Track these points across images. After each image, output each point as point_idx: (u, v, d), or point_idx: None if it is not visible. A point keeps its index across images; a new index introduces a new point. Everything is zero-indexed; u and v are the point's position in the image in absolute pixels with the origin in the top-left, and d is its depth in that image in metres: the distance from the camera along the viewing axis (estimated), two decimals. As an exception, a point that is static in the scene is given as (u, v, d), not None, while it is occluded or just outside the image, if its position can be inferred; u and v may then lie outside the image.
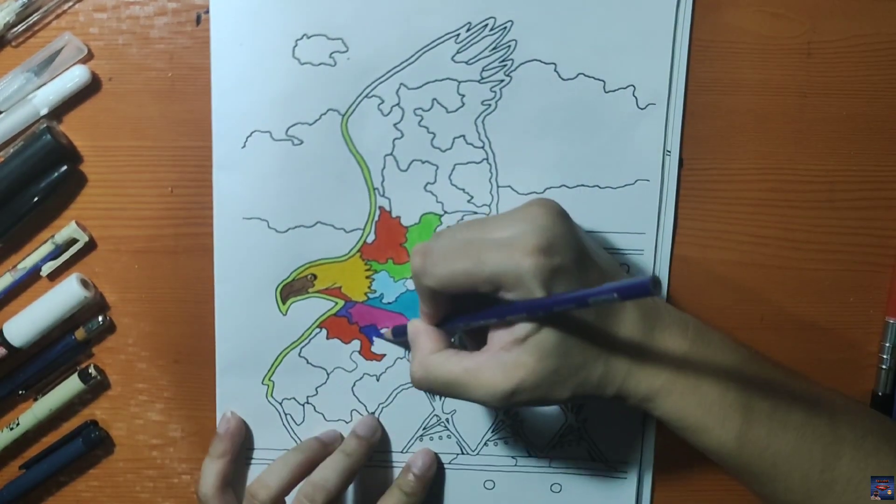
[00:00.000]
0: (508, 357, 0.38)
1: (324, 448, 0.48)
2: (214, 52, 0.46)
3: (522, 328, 0.38)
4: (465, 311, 0.42)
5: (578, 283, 0.38)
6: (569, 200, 0.47)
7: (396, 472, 0.50)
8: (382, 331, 0.48)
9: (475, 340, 0.43)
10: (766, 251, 0.49)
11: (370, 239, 0.48)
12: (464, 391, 0.40)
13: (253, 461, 0.50)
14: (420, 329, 0.43)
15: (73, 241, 0.48)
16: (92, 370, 0.49)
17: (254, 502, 0.45)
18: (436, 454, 0.50)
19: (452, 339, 0.43)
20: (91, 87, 0.47)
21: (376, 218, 0.47)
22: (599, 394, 0.40)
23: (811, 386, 0.43)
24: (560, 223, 0.38)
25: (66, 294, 0.47)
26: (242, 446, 0.49)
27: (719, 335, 0.42)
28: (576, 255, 0.38)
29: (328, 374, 0.49)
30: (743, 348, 0.42)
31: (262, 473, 0.46)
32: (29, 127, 0.46)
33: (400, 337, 0.47)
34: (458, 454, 0.50)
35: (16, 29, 0.46)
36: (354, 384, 0.49)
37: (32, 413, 0.49)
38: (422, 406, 0.50)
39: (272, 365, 0.49)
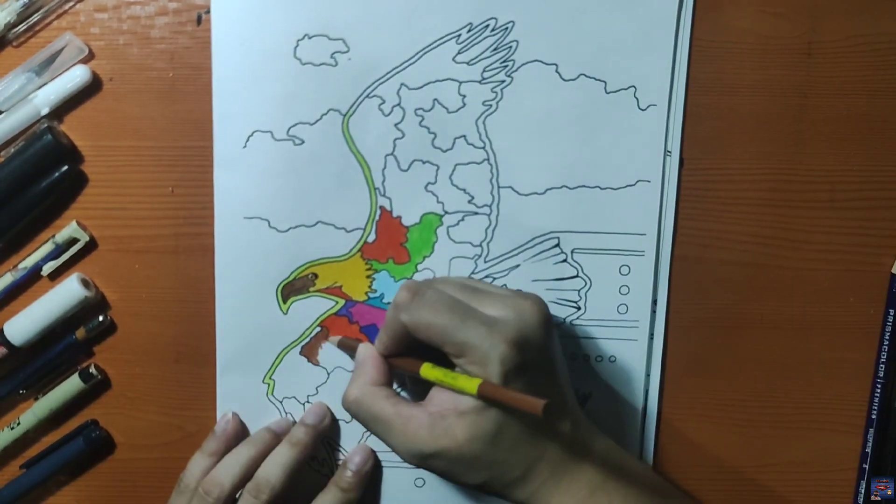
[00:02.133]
0: (442, 423, 0.40)
1: (276, 438, 0.48)
2: (215, 52, 0.46)
3: (468, 402, 0.39)
4: (417, 358, 0.42)
5: (531, 384, 0.39)
6: (570, 201, 0.47)
7: (397, 472, 0.50)
8: (330, 339, 0.48)
9: (418, 388, 0.44)
10: (766, 251, 0.49)
11: (371, 238, 0.48)
12: (386, 433, 0.41)
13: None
14: (369, 356, 0.44)
15: (74, 241, 0.48)
16: (92, 369, 0.49)
17: (207, 500, 0.45)
18: (373, 450, 0.49)
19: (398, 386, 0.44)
20: (92, 87, 0.47)
21: (377, 217, 0.47)
22: (506, 495, 0.41)
23: None
24: (543, 326, 0.40)
25: (66, 294, 0.47)
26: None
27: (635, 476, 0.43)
28: (542, 360, 0.40)
29: (328, 374, 0.49)
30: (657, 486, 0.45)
31: (214, 470, 0.46)
32: (30, 127, 0.46)
33: (346, 350, 0.47)
34: (458, 454, 0.50)
35: (17, 29, 0.46)
36: (355, 384, 0.49)
37: (33, 412, 0.49)
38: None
39: (273, 364, 0.49)
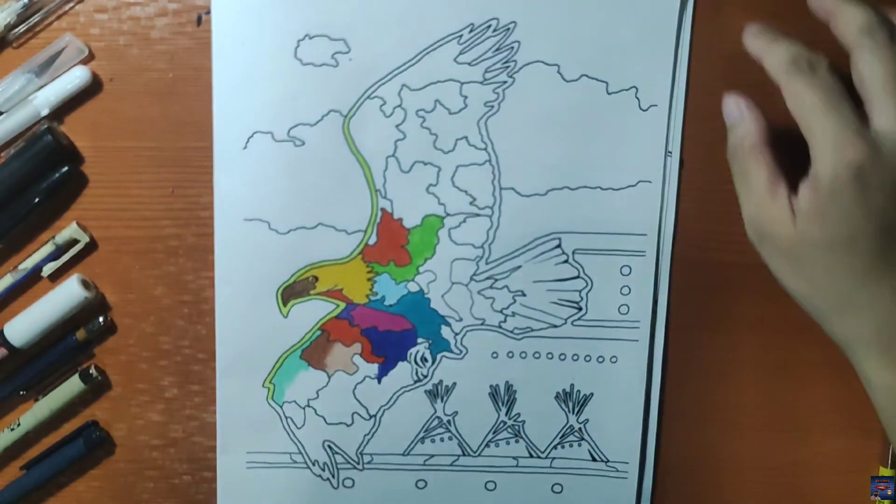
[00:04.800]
0: (787, 192, 0.38)
1: None
2: (216, 53, 0.46)
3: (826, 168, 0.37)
4: None
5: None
6: (571, 202, 0.47)
7: (398, 474, 0.50)
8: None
9: None
10: (767, 253, 0.48)
11: (372, 241, 0.47)
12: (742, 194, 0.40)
13: (252, 465, 0.50)
14: (759, 149, 0.40)
15: (74, 242, 0.47)
16: (93, 371, 0.49)
17: None
18: None
19: None
20: (92, 88, 0.46)
21: (378, 220, 0.47)
22: (824, 323, 0.39)
23: None
24: None
25: (66, 295, 0.47)
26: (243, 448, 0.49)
27: None
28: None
29: (329, 377, 0.49)
30: None
31: None
32: (30, 128, 0.46)
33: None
34: (459, 455, 0.50)
35: (17, 30, 0.46)
36: (356, 387, 0.49)
37: (33, 414, 0.49)
38: (423, 408, 0.50)
39: (273, 368, 0.49)
